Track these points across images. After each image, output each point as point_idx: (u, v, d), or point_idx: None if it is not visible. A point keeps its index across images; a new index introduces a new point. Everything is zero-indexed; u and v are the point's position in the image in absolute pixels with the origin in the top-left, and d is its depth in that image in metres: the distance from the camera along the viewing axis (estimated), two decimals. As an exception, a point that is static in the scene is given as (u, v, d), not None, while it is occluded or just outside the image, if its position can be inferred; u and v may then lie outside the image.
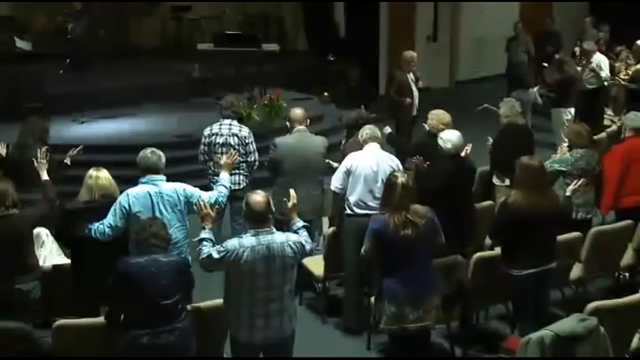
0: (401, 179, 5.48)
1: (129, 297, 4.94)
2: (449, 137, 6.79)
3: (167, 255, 5.10)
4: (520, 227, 5.76)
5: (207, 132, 7.80)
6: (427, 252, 5.60)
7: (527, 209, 5.73)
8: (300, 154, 7.32)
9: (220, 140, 7.68)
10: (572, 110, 10.93)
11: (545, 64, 12.16)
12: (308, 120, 7.71)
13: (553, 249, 6.00)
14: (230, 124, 7.74)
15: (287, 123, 7.63)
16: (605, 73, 11.40)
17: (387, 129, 8.00)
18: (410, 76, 10.64)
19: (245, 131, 7.76)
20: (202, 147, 7.81)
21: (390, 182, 5.54)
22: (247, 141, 7.69)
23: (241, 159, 7.53)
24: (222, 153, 7.60)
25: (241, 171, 7.63)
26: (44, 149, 6.66)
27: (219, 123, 7.79)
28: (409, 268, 5.47)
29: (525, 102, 10.14)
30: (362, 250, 5.66)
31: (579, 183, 6.50)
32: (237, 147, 7.60)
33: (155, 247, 5.00)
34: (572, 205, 6.49)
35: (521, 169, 5.93)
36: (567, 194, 6.32)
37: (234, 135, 7.67)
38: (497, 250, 6.44)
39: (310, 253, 5.36)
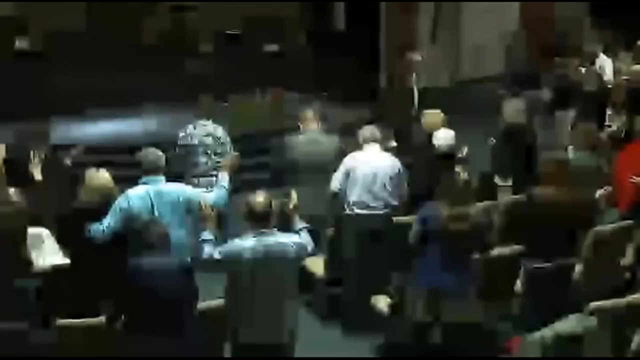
0: (464, 175, 5.53)
1: (133, 300, 4.91)
2: (442, 136, 6.81)
3: (170, 258, 5.06)
4: (543, 220, 5.76)
5: (182, 134, 7.85)
6: (469, 250, 5.65)
7: (551, 203, 5.74)
8: (314, 154, 7.33)
9: (195, 140, 7.70)
10: (573, 112, 10.92)
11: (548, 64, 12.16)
12: (320, 122, 7.71)
13: (573, 245, 6.00)
14: (204, 125, 7.76)
15: (299, 123, 7.63)
16: (608, 76, 11.39)
17: (392, 143, 7.99)
18: (412, 77, 10.63)
19: (220, 131, 7.79)
20: (179, 148, 7.84)
21: (452, 178, 5.57)
22: (222, 140, 7.73)
23: (218, 159, 7.53)
24: (198, 153, 7.66)
25: (217, 173, 7.58)
26: (37, 150, 6.66)
27: (193, 124, 7.81)
28: (450, 261, 5.51)
29: (538, 103, 10.09)
30: (410, 234, 5.69)
31: (609, 190, 6.50)
32: (212, 146, 7.67)
33: (156, 248, 4.97)
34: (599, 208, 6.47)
35: (547, 164, 5.93)
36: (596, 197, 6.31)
37: (208, 134, 7.71)
38: (498, 250, 6.43)
39: (312, 254, 5.36)
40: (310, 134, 7.49)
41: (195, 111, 7.94)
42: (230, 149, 7.74)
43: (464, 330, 5.73)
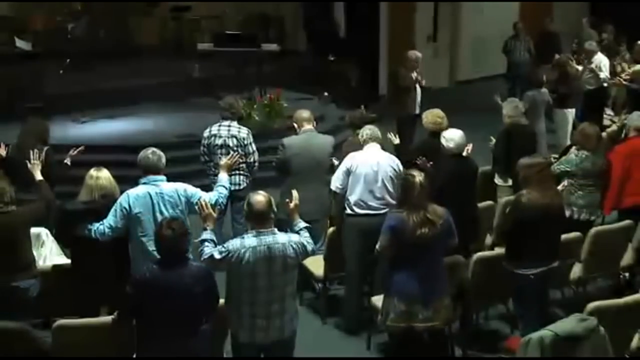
0: (418, 178, 5.49)
1: (149, 306, 4.82)
2: (452, 136, 6.81)
3: (190, 263, 4.95)
4: (535, 226, 5.76)
5: (206, 133, 7.82)
6: (440, 252, 5.63)
7: (542, 208, 5.74)
8: (309, 154, 7.32)
9: (219, 141, 7.69)
10: (573, 111, 10.92)
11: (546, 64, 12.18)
12: (315, 122, 7.69)
13: (558, 248, 6.02)
14: (229, 125, 7.75)
15: (294, 124, 7.63)
16: (604, 74, 11.40)
17: (395, 140, 7.97)
18: (414, 75, 10.63)
19: (244, 132, 7.76)
20: (202, 148, 7.84)
21: (407, 182, 5.54)
22: (246, 142, 7.69)
23: (241, 160, 7.53)
24: (221, 154, 7.61)
25: (241, 172, 7.64)
26: (37, 149, 6.66)
27: (218, 124, 7.80)
28: (422, 267, 5.49)
29: (540, 103, 10.09)
30: (377, 246, 5.66)
31: (565, 185, 6.70)
32: (235, 148, 7.61)
33: (177, 247, 4.86)
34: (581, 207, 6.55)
35: (529, 168, 5.91)
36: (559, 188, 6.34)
37: (232, 136, 7.68)
38: (498, 250, 6.44)
39: (312, 253, 5.36)
40: (307, 134, 7.49)
41: (222, 112, 7.89)
42: (254, 150, 7.73)
43: (438, 335, 5.73)
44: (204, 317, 4.95)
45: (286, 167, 7.37)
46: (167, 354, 4.82)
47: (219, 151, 7.66)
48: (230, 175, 7.54)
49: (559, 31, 14.50)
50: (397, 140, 7.97)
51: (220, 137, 7.69)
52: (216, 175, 7.63)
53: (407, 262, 5.50)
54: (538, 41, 13.99)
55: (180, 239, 4.85)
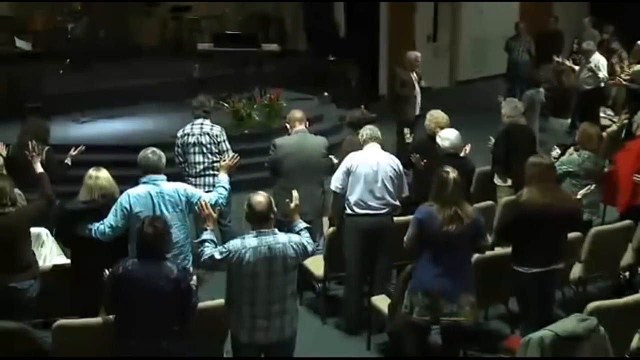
0: (452, 174, 5.51)
1: (124, 302, 4.87)
2: (447, 136, 6.80)
3: (165, 263, 4.95)
4: (534, 224, 5.77)
5: (180, 132, 7.87)
6: (466, 251, 5.63)
7: (541, 207, 5.74)
8: (301, 155, 7.31)
9: (191, 140, 7.71)
10: (568, 121, 10.95)
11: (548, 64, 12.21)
12: (307, 122, 7.70)
13: (563, 248, 6.01)
14: (201, 124, 7.79)
15: (287, 124, 7.63)
16: (603, 74, 11.40)
17: (409, 138, 7.97)
18: (413, 76, 10.63)
19: (216, 130, 7.79)
20: (176, 148, 7.85)
21: (442, 178, 5.54)
22: (219, 139, 7.72)
23: (214, 159, 7.54)
24: (194, 152, 7.66)
25: (214, 172, 7.55)
26: (34, 143, 6.65)
27: (191, 123, 7.83)
28: (446, 262, 5.49)
29: (537, 102, 10.08)
30: (405, 237, 5.67)
31: (591, 188, 6.64)
32: (208, 145, 7.67)
33: (156, 246, 4.91)
34: (582, 207, 6.53)
35: (533, 166, 5.93)
36: (578, 197, 6.32)
37: (205, 134, 7.71)
38: (497, 250, 6.44)
39: (312, 254, 5.36)
40: (299, 134, 7.48)
41: (194, 111, 7.93)
42: (227, 148, 7.74)
43: (460, 331, 5.73)
44: (176, 319, 4.92)
45: (278, 168, 7.36)
46: (139, 352, 4.82)
47: (192, 150, 7.69)
48: (204, 176, 7.58)
49: (562, 30, 14.51)
50: (410, 139, 7.96)
51: (192, 135, 7.73)
52: (190, 176, 7.69)
53: (431, 257, 5.51)
54: (541, 40, 13.99)
55: (159, 238, 4.89)
